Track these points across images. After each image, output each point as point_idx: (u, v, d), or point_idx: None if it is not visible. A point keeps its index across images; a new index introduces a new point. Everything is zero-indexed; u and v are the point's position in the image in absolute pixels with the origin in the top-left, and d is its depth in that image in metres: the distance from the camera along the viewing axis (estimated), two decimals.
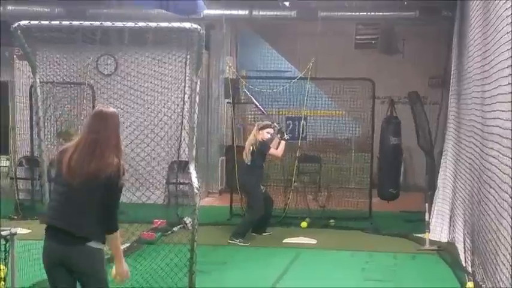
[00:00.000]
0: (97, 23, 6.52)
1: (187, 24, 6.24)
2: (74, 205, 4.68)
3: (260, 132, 10.69)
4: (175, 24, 6.30)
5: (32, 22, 6.51)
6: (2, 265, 6.08)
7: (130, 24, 6.50)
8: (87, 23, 6.63)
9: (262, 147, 10.63)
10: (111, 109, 4.88)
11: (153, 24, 6.26)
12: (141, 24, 6.31)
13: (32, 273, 6.85)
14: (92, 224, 4.69)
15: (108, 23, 6.46)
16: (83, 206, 4.68)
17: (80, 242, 4.66)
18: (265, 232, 11.01)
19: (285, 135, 10.95)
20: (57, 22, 7.00)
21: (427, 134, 11.50)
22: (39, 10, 13.31)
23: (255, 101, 11.77)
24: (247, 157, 10.63)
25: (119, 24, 6.52)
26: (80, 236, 4.66)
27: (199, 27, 6.19)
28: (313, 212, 12.16)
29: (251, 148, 10.60)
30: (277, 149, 10.79)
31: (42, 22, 6.58)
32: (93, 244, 4.68)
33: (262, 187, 10.84)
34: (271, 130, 10.82)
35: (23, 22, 6.38)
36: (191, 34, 6.26)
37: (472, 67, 8.57)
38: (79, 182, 4.64)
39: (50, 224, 4.76)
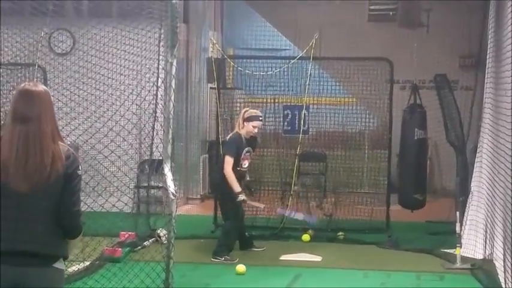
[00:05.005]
0: None
1: None
2: (30, 218, 4.62)
3: (245, 124, 10.43)
4: None
5: None
6: None
7: None
8: None
9: (224, 147, 10.54)
10: (40, 87, 4.75)
11: None
12: None
13: None
14: (55, 237, 4.59)
15: None
16: (41, 216, 4.56)
17: (43, 263, 4.54)
18: (255, 247, 10.99)
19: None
20: None
21: (458, 127, 11.51)
22: None
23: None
24: None
25: None
26: (46, 255, 4.54)
27: None
28: (318, 222, 12.18)
29: None
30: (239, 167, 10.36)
31: None
32: (58, 265, 4.58)
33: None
34: (259, 123, 10.57)
35: None
36: (164, 4, 6.23)
37: None
38: (27, 188, 4.58)
39: (4, 250, 4.52)
